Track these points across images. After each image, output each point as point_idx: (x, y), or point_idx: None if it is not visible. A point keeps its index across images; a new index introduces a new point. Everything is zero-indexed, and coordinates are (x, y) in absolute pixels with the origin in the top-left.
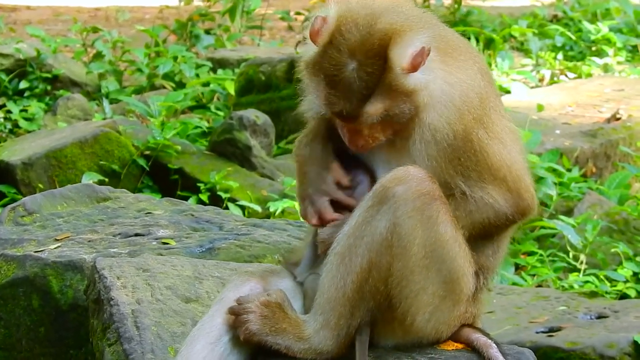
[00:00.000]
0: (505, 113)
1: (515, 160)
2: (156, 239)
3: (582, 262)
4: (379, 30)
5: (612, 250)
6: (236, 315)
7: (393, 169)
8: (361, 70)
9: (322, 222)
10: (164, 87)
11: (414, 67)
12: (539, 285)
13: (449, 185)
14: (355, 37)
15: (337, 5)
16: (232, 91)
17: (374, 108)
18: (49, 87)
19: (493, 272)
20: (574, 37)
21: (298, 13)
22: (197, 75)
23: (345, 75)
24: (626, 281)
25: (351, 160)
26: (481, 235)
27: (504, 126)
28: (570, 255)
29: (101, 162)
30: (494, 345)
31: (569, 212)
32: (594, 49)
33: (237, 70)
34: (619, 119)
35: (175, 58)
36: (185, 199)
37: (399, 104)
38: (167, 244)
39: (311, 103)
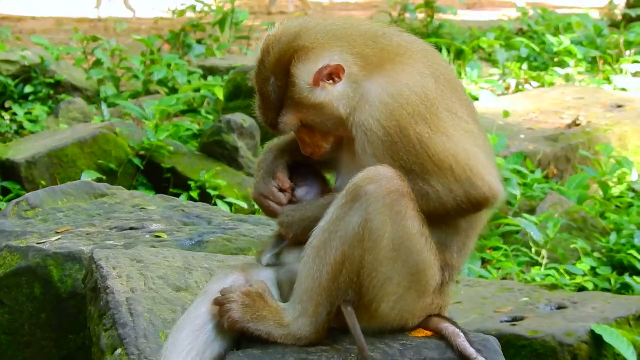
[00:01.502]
0: (468, 117)
1: (464, 150)
2: (149, 232)
3: (543, 257)
4: (292, 48)
5: (572, 246)
6: (220, 305)
7: (354, 170)
8: (275, 84)
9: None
10: (158, 93)
11: (316, 83)
12: (504, 278)
13: None
14: (275, 55)
15: (281, 24)
16: (221, 96)
17: (288, 118)
18: (51, 92)
19: (459, 269)
20: (538, 49)
21: None
22: (189, 82)
23: (267, 89)
24: (584, 275)
25: (304, 168)
26: (437, 223)
27: (455, 125)
28: (533, 250)
29: (99, 162)
30: (462, 334)
31: (532, 211)
32: (556, 60)
33: (226, 77)
34: (578, 125)
35: (169, 66)
36: (177, 196)
37: (311, 115)
38: (160, 237)
39: None
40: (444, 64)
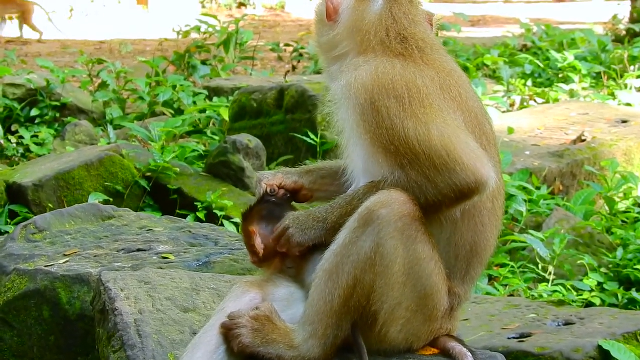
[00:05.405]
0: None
1: (439, 134)
2: (157, 254)
3: (550, 273)
4: None
5: (579, 262)
6: (229, 330)
7: (351, 142)
8: None
9: None
10: (164, 114)
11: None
12: (511, 295)
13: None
14: None
15: None
16: (226, 117)
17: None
18: (58, 115)
19: (465, 296)
20: (542, 65)
21: (287, 45)
22: (195, 103)
23: None
24: (591, 290)
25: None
26: (427, 215)
27: (440, 116)
28: (540, 266)
29: (106, 184)
30: (469, 354)
31: (538, 227)
32: (560, 76)
33: (231, 98)
34: (584, 140)
35: (174, 87)
36: (184, 217)
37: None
38: (167, 258)
39: None
40: (466, 93)
